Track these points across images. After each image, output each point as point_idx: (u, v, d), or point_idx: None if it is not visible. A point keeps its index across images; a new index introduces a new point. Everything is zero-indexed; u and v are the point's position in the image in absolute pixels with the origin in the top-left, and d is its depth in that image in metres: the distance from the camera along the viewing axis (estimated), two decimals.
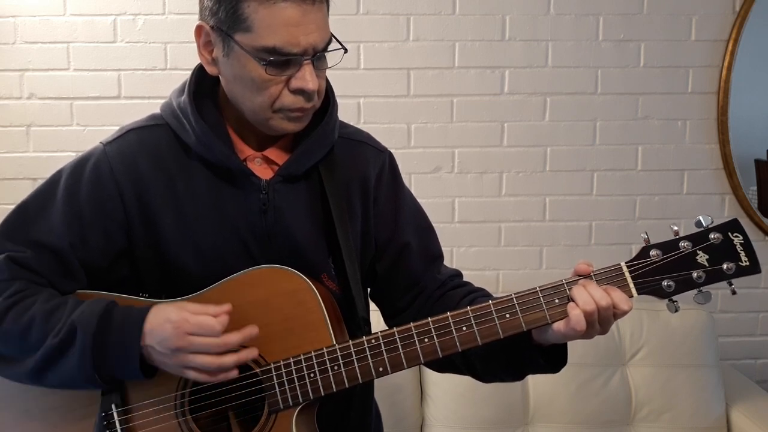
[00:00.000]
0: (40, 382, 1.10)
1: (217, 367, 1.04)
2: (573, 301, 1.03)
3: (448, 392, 2.17)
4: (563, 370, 1.14)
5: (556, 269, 2.47)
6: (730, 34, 2.39)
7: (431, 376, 2.20)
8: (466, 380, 1.27)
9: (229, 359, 1.05)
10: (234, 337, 1.05)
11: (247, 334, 1.06)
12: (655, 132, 2.45)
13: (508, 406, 2.17)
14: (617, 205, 2.47)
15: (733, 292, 1.04)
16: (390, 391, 2.15)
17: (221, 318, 1.05)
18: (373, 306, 1.32)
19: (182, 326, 1.03)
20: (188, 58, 2.30)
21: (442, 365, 1.21)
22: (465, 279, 1.32)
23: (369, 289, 1.31)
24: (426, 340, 1.07)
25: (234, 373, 1.06)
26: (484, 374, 1.21)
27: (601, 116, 2.43)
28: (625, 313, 1.03)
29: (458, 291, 1.26)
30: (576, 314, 1.02)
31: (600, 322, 1.03)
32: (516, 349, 1.13)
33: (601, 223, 2.48)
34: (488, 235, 2.46)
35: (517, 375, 1.18)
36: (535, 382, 2.18)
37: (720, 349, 2.29)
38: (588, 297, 1.02)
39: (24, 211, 1.16)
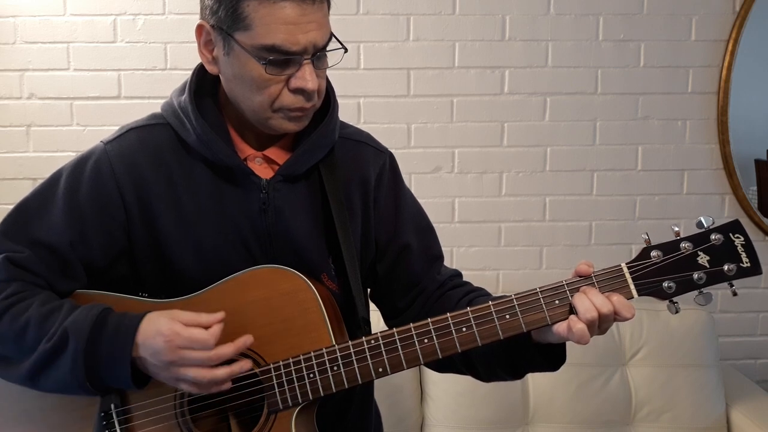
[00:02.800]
0: (35, 386, 1.09)
1: (209, 380, 1.03)
2: (574, 310, 1.03)
3: (448, 392, 2.17)
4: (563, 369, 1.14)
5: (556, 269, 2.47)
6: (730, 34, 2.39)
7: (431, 376, 2.20)
8: (466, 380, 1.27)
9: (222, 372, 1.04)
10: (226, 350, 1.04)
11: (240, 345, 1.06)
12: (655, 132, 2.44)
13: (508, 406, 2.17)
14: (617, 205, 2.47)
15: (734, 294, 1.04)
16: (390, 391, 2.15)
17: (213, 330, 1.04)
18: (373, 306, 1.32)
19: (174, 340, 1.02)
20: (188, 58, 2.29)
21: (441, 365, 1.21)
22: (465, 279, 1.32)
23: (369, 290, 1.31)
24: (426, 341, 1.07)
25: (227, 386, 1.06)
26: (484, 373, 1.21)
27: (601, 116, 2.43)
28: (626, 319, 1.03)
29: (457, 291, 1.26)
30: (579, 328, 1.01)
31: (599, 325, 1.03)
32: (515, 348, 1.12)
33: (601, 223, 2.47)
34: (488, 235, 2.46)
35: (517, 374, 1.18)
36: (535, 382, 2.18)
37: (720, 349, 2.29)
38: (589, 305, 1.01)
39: (24, 210, 1.16)
